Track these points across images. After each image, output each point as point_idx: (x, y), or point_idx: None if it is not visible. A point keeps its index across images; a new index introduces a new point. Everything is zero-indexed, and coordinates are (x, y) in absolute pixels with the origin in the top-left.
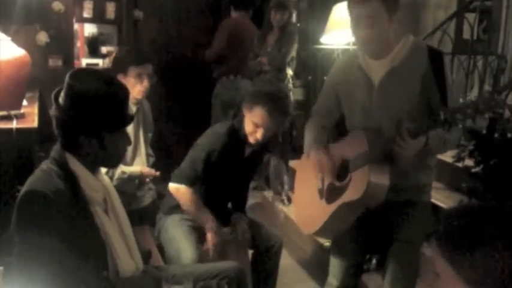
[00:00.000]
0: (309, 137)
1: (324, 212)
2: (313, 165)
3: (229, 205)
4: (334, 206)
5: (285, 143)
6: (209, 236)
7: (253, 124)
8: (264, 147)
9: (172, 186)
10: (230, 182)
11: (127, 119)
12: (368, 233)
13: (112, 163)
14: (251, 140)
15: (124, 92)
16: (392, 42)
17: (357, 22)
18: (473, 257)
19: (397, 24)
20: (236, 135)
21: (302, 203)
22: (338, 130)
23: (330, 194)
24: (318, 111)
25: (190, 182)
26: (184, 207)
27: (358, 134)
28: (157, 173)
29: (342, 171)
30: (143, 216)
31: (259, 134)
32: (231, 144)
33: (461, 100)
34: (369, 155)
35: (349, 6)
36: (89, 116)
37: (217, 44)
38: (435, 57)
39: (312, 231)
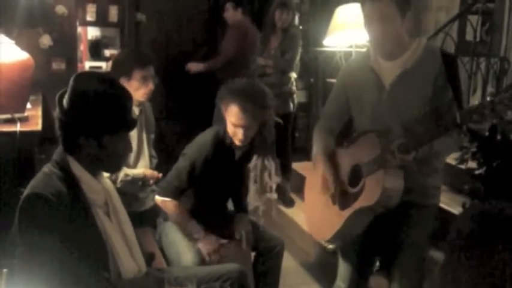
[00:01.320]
0: (316, 145)
1: (339, 218)
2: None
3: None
4: (348, 212)
5: (287, 144)
6: (200, 245)
7: (232, 125)
8: (252, 145)
9: (158, 199)
10: (225, 185)
11: (129, 123)
12: (374, 235)
13: (113, 166)
14: (237, 142)
15: (125, 94)
16: (406, 43)
17: (369, 19)
18: (474, 257)
19: (410, 25)
20: (222, 142)
21: (313, 210)
22: (344, 131)
23: (343, 199)
24: (327, 113)
25: (175, 194)
26: (172, 219)
27: (370, 137)
28: (160, 175)
29: (354, 176)
30: (144, 218)
31: (240, 134)
32: (217, 151)
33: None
34: (382, 159)
35: (362, 3)
36: (88, 117)
37: (229, 48)
38: (449, 62)
39: (326, 237)
